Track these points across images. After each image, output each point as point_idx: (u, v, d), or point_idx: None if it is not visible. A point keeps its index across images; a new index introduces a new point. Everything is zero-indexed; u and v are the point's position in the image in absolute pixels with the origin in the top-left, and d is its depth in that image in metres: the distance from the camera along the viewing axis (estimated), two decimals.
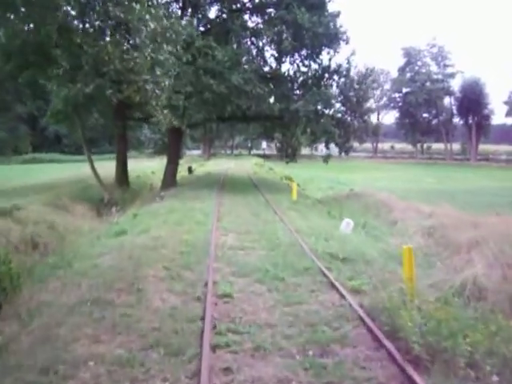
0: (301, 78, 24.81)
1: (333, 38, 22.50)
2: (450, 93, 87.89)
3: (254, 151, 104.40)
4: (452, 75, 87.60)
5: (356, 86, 23.82)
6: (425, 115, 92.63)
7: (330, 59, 24.17)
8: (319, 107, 22.66)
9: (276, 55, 24.50)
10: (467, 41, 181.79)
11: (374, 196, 25.51)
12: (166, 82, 12.88)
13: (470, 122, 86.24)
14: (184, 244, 10.37)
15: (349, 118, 24.22)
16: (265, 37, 22.68)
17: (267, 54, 24.48)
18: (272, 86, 22.78)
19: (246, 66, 21.05)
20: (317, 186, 40.76)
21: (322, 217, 17.07)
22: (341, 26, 23.27)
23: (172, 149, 27.52)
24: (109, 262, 8.70)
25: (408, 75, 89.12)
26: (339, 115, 23.47)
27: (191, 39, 20.44)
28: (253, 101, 21.27)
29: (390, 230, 15.30)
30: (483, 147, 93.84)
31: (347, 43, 23.42)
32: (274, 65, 24.84)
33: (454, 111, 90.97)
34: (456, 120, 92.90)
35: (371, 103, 57.83)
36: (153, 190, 30.89)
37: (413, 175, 57.27)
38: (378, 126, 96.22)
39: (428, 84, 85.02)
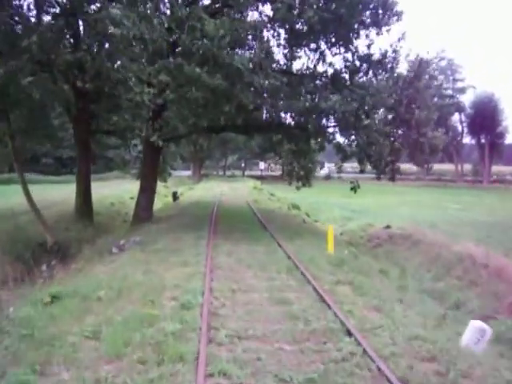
0: (326, 72, 17.75)
1: (381, 10, 15.45)
2: (460, 109, 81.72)
3: (248, 172, 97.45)
4: (462, 90, 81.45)
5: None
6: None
7: (369, 45, 17.12)
8: (364, 107, 15.43)
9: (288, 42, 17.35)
10: (478, 54, 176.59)
11: (428, 238, 18.32)
12: None
13: (483, 140, 79.89)
14: None
15: (397, 130, 17.04)
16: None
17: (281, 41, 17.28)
18: (286, 80, 15.71)
19: (253, 44, 13.83)
20: (329, 216, 33.50)
21: (404, 298, 9.66)
22: None
23: (147, 170, 20.11)
24: None
25: None
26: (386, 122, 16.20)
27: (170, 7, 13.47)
28: (262, 98, 14.05)
29: None
30: (495, 168, 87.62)
31: (399, 19, 16.32)
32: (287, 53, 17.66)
33: (464, 129, 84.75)
34: (466, 139, 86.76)
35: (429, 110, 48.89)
36: (127, 223, 23.60)
37: (430, 199, 50.32)
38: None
39: (436, 99, 78.67)
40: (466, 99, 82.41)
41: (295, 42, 17.27)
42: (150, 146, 19.51)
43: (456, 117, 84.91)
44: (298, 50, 18.11)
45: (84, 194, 23.92)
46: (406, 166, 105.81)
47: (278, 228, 17.26)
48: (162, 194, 45.95)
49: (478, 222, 27.12)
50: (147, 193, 20.10)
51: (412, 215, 33.09)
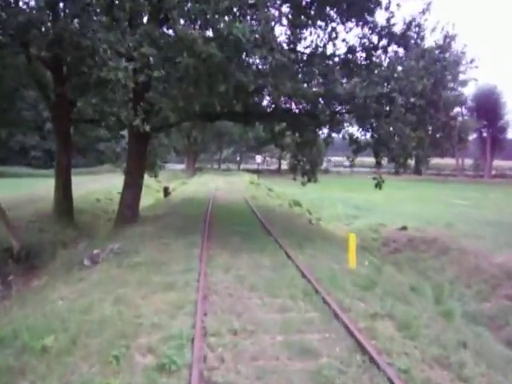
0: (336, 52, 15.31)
1: None
2: (461, 102, 78.96)
3: (243, 165, 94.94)
4: (464, 83, 78.85)
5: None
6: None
7: (388, 18, 14.66)
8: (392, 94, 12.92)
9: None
10: (481, 46, 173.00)
11: (458, 244, 15.97)
12: None
13: (484, 134, 77.65)
14: None
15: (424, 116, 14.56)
16: None
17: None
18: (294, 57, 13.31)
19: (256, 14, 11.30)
20: (333, 213, 31.19)
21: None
22: None
23: (132, 163, 17.59)
24: None
25: None
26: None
27: None
28: (265, 78, 11.56)
29: None
30: (494, 163, 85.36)
31: None
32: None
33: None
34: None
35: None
36: (112, 222, 21.14)
37: (435, 195, 48.18)
38: None
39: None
40: (467, 92, 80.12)
41: (300, 21, 14.74)
42: (135, 135, 17.06)
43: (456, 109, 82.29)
44: (304, 31, 15.66)
45: (64, 190, 21.42)
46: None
47: (282, 231, 14.83)
48: (154, 188, 43.44)
49: (494, 222, 24.79)
50: (133, 189, 17.61)
51: (421, 212, 30.84)
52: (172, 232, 13.87)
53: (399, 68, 13.24)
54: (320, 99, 13.38)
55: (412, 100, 13.30)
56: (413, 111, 13.37)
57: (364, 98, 12.48)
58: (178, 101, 11.98)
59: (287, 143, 21.98)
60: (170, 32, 12.39)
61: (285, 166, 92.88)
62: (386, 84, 12.89)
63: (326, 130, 17.53)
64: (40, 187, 36.55)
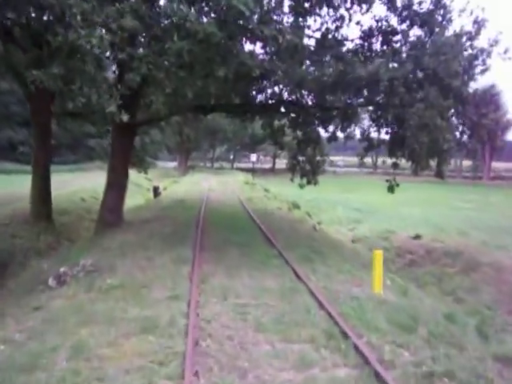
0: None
1: None
2: (492, 96, 77.59)
3: (237, 164, 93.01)
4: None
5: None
6: None
7: None
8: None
9: None
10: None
11: (488, 257, 14.12)
12: None
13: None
14: None
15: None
16: None
17: None
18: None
19: None
20: (333, 216, 29.37)
21: None
22: None
23: (116, 160, 15.56)
24: None
25: None
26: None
27: None
28: (273, 61, 9.59)
29: None
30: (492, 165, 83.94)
31: None
32: None
33: None
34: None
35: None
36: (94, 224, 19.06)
37: (437, 197, 46.50)
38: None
39: None
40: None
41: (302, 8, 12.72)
42: (119, 129, 15.09)
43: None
44: (307, 18, 13.70)
45: (42, 190, 19.35)
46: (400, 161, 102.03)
47: (285, 240, 12.88)
48: (145, 187, 41.35)
49: (509, 228, 23.02)
50: (116, 190, 15.60)
51: (426, 217, 29.11)
52: (159, 242, 11.86)
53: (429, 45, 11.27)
54: (334, 87, 11.38)
55: (446, 81, 11.32)
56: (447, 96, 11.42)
57: (389, 81, 10.51)
58: (165, 86, 9.95)
59: (286, 141, 20.07)
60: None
61: (279, 165, 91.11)
62: (417, 62, 10.89)
63: (331, 128, 15.69)
64: (27, 184, 34.48)
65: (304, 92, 12.51)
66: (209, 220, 16.32)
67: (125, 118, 9.22)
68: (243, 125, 20.27)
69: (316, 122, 14.92)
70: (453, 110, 12.77)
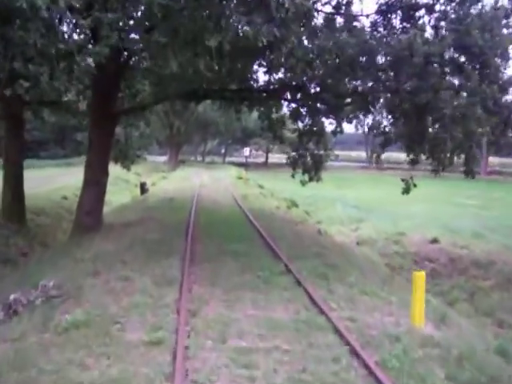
0: None
1: None
2: None
3: (228, 158, 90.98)
4: None
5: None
6: None
7: None
8: None
9: None
10: None
11: None
12: None
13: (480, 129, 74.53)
14: None
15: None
16: None
17: None
18: None
19: None
20: (332, 215, 27.55)
21: None
22: None
23: (93, 155, 13.53)
24: None
25: None
26: None
27: None
28: (287, 25, 7.61)
29: None
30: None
31: None
32: None
33: None
34: None
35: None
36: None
37: (438, 193, 44.64)
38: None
39: None
40: None
41: None
42: (97, 119, 13.11)
43: None
44: None
45: (14, 188, 17.34)
46: (394, 155, 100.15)
47: (291, 249, 11.00)
48: (133, 183, 39.22)
49: None
50: (93, 189, 13.59)
51: (432, 215, 27.45)
52: (141, 253, 9.91)
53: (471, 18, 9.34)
54: (352, 66, 9.44)
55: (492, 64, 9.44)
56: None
57: (425, 57, 8.59)
58: (142, 60, 7.95)
59: (286, 135, 18.16)
60: None
61: (272, 159, 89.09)
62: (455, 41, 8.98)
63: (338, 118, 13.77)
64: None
65: (315, 73, 10.52)
66: (200, 223, 14.39)
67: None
68: (237, 117, 18.16)
69: (322, 112, 12.98)
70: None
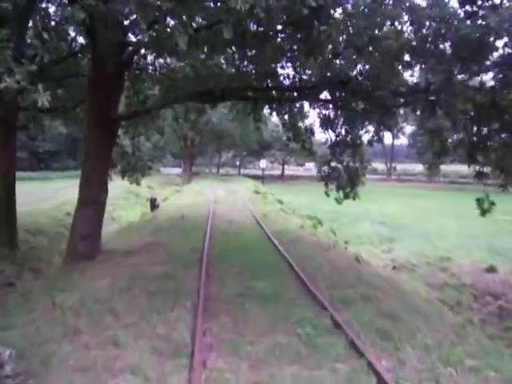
0: None
1: None
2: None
3: (243, 171, 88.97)
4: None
5: None
6: None
7: None
8: None
9: None
10: None
11: None
12: None
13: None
14: None
15: None
16: None
17: None
18: None
19: None
20: (360, 233, 25.05)
21: None
22: None
23: (90, 167, 11.32)
24: None
25: None
26: None
27: None
28: None
29: None
30: None
31: None
32: None
33: None
34: None
35: None
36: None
37: (464, 206, 41.69)
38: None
39: None
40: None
41: None
42: (95, 125, 10.97)
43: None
44: None
45: (3, 203, 15.19)
46: (410, 167, 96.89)
47: (332, 289, 8.64)
48: (144, 196, 37.13)
49: None
50: (90, 209, 11.36)
51: (466, 232, 24.95)
52: (140, 297, 7.62)
53: None
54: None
55: None
56: None
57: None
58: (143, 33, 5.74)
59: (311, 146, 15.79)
60: None
61: (288, 171, 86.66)
62: None
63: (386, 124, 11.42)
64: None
65: (370, 61, 8.16)
66: (216, 249, 12.10)
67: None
68: (255, 126, 15.82)
69: (366, 116, 10.66)
70: None
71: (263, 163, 54.32)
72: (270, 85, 9.92)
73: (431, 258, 16.53)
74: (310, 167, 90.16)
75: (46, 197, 31.43)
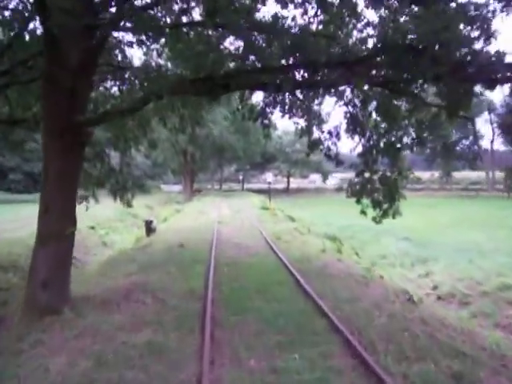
0: None
1: None
2: (488, 108, 71.53)
3: (247, 185, 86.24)
4: None
5: None
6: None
7: None
8: None
9: None
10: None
11: None
12: None
13: None
14: None
15: None
16: None
17: None
18: None
19: None
20: (384, 252, 21.97)
21: None
22: None
23: (50, 194, 8.39)
24: None
25: None
26: None
27: None
28: None
29: None
30: None
31: None
32: None
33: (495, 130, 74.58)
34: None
35: None
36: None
37: (482, 215, 38.71)
38: None
39: None
40: (496, 96, 72.66)
41: None
42: (54, 134, 8.05)
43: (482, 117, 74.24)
44: None
45: None
46: (422, 175, 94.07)
47: (408, 368, 5.65)
48: (142, 217, 34.02)
49: None
50: (53, 248, 8.38)
51: (505, 248, 21.71)
52: None
53: None
54: None
55: None
56: None
57: None
58: None
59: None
60: None
61: (292, 184, 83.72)
62: None
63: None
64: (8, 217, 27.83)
65: None
66: (224, 294, 9.09)
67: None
68: (265, 133, 12.85)
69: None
70: None
71: (269, 176, 51.07)
72: (297, 62, 6.91)
73: (486, 286, 13.46)
74: (315, 179, 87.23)
75: (30, 222, 28.57)
